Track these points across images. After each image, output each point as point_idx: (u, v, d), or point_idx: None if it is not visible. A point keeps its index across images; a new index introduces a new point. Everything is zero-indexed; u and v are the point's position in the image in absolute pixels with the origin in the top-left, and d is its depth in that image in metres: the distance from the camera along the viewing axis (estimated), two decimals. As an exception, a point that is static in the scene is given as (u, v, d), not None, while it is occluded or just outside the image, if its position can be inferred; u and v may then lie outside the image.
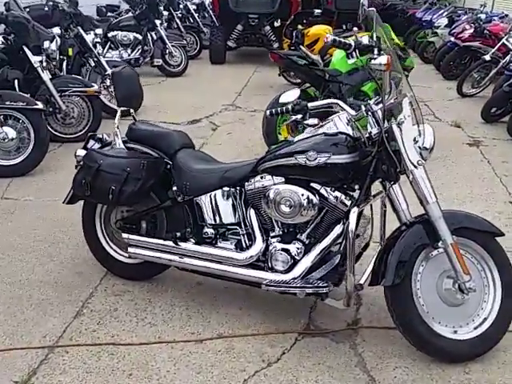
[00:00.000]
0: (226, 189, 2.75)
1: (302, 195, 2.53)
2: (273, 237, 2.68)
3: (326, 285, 2.51)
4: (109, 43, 8.58)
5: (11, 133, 4.53)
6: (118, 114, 3.01)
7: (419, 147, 2.45)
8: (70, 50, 6.32)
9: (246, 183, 2.72)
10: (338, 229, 2.58)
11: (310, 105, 2.66)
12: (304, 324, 2.79)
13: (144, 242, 2.88)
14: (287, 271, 2.60)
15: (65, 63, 6.17)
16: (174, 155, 2.87)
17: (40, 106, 4.59)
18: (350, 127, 2.58)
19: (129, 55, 8.59)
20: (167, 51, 8.83)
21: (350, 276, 2.39)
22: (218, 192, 2.76)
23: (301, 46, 8.08)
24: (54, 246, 3.51)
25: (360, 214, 2.65)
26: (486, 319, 2.53)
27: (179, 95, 7.77)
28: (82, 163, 2.87)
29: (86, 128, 5.50)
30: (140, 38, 8.67)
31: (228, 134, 6.09)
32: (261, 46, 10.25)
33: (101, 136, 3.10)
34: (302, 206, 2.53)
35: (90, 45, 6.38)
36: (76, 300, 2.94)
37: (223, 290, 3.01)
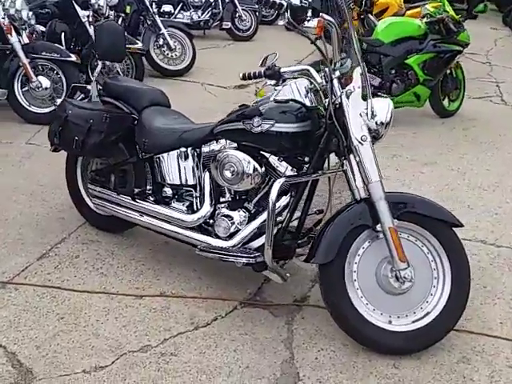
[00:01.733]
0: (183, 149, 2.72)
1: (246, 162, 2.45)
2: (221, 202, 2.64)
3: (253, 255, 2.42)
4: (181, 4, 8.70)
5: (45, 82, 4.78)
6: (98, 67, 3.07)
7: (376, 123, 2.29)
8: (128, 7, 6.50)
9: (203, 146, 2.68)
10: (283, 200, 2.47)
11: (282, 70, 2.59)
12: (250, 294, 2.73)
13: (106, 195, 2.95)
14: (229, 238, 2.56)
15: (120, 20, 6.35)
16: (141, 111, 2.88)
17: (73, 58, 4.78)
18: (307, 96, 2.46)
19: (199, 17, 8.66)
20: (237, 15, 8.80)
21: (267, 249, 2.29)
22: (176, 152, 2.74)
23: (369, 15, 7.74)
24: (51, 191, 3.69)
25: (314, 188, 2.54)
26: (428, 314, 2.33)
27: (238, 59, 7.73)
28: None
29: (129, 84, 5.66)
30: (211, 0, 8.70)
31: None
32: (337, 14, 9.91)
33: (89, 88, 3.18)
34: (245, 174, 2.45)
35: (147, 3, 6.51)
36: (46, 243, 3.09)
37: (186, 252, 2.99)
